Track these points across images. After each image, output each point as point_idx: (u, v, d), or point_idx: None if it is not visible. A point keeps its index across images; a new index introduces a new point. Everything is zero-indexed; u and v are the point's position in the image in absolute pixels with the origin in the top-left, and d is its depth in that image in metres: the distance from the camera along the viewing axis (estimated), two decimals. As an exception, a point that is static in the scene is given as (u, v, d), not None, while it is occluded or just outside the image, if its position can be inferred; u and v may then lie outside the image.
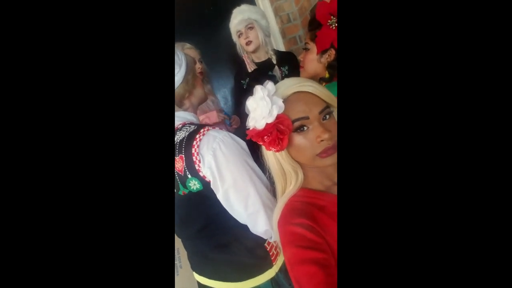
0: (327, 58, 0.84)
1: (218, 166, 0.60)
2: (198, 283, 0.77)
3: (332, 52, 0.82)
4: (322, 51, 0.83)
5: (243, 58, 1.29)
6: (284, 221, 0.49)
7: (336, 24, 0.77)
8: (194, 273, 0.78)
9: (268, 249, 0.71)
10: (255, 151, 0.60)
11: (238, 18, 1.25)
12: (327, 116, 0.49)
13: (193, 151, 0.61)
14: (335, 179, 0.54)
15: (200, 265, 0.75)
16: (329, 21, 0.78)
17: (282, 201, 0.53)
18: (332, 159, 0.48)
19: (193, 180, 0.62)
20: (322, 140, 0.47)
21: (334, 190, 0.53)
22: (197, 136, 0.62)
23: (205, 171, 0.61)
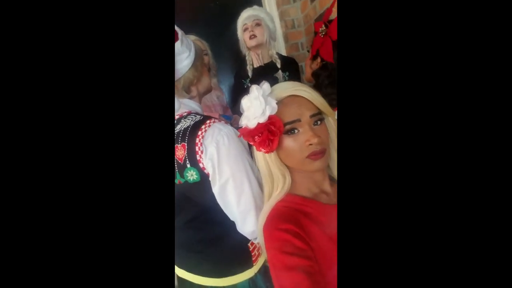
0: (315, 65, 0.86)
1: (219, 159, 0.61)
2: (177, 276, 0.76)
3: (318, 60, 0.84)
4: (313, 57, 0.85)
5: (252, 53, 1.30)
6: (271, 226, 0.49)
7: (324, 33, 0.79)
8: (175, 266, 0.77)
9: (250, 249, 0.72)
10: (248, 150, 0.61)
11: (247, 13, 1.28)
12: (319, 122, 0.50)
13: (197, 141, 0.61)
14: (323, 187, 0.54)
15: (182, 258, 0.75)
16: (320, 29, 0.80)
17: (268, 205, 0.53)
18: (321, 163, 0.49)
19: (192, 171, 0.62)
20: (310, 144, 0.47)
21: (321, 197, 0.53)
22: (203, 126, 0.62)
23: (206, 162, 0.61)
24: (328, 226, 0.49)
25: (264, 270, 0.76)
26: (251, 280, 0.71)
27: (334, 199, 0.54)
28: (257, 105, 0.46)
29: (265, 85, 0.49)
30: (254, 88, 0.48)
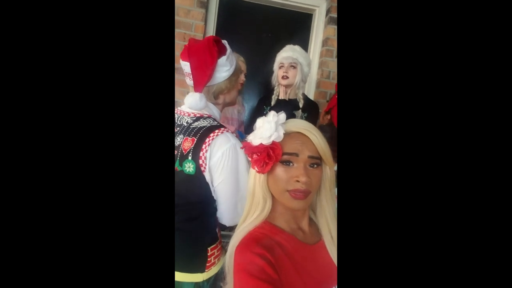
0: (325, 120, 0.95)
1: (219, 163, 0.70)
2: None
3: (328, 117, 0.92)
4: (326, 112, 0.94)
5: (281, 87, 1.40)
6: (245, 248, 0.49)
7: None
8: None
9: (208, 254, 0.74)
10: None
11: (287, 53, 1.37)
12: (315, 165, 0.52)
13: (206, 141, 0.69)
14: (301, 224, 0.56)
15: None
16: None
17: (243, 230, 0.53)
18: (299, 204, 0.51)
19: (190, 163, 0.69)
20: (297, 181, 0.50)
21: (298, 234, 0.54)
22: (216, 131, 0.71)
23: (206, 161, 0.69)
24: (301, 266, 0.50)
25: (213, 280, 0.77)
26: (197, 285, 0.73)
27: (309, 239, 0.55)
28: (267, 128, 0.51)
29: (282, 115, 0.53)
30: (271, 113, 0.52)
